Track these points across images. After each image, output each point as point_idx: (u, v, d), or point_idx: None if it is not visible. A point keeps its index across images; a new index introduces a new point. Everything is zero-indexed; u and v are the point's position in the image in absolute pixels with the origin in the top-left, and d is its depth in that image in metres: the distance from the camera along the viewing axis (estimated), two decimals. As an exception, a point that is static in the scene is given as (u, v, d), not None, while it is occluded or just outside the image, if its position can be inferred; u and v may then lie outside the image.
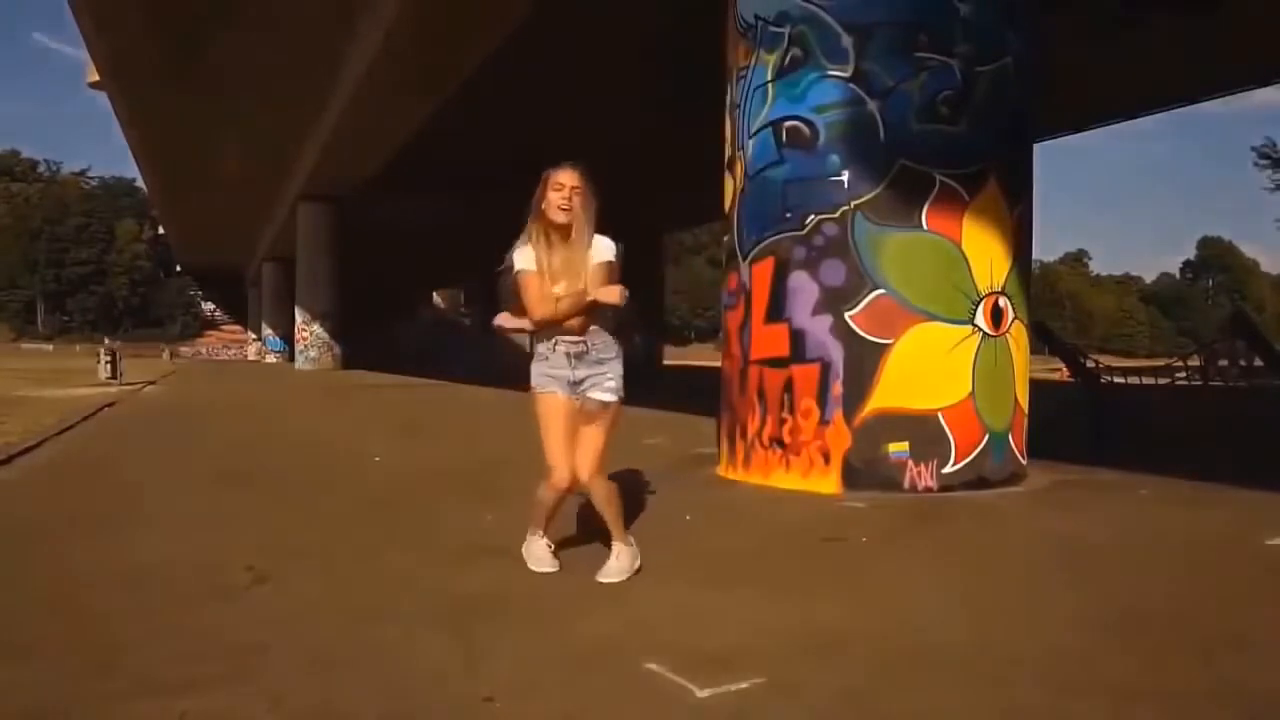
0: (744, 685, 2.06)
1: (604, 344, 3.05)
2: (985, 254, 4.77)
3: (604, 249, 3.02)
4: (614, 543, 3.10)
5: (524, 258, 3.01)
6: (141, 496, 4.77)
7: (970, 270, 4.73)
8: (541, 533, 3.22)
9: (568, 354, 3.02)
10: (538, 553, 3.20)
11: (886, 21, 4.68)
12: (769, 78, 4.94)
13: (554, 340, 3.02)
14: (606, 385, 3.04)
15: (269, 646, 2.32)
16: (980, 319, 4.75)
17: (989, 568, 3.27)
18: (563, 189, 2.95)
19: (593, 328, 3.02)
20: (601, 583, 2.97)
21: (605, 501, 3.10)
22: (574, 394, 3.03)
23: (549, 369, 3.05)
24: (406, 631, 2.46)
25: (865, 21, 4.69)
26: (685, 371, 26.12)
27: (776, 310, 4.92)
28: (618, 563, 3.05)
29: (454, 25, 13.55)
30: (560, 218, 2.95)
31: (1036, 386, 5.39)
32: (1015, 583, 3.07)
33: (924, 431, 4.66)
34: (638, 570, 3.08)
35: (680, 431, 7.96)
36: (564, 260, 2.98)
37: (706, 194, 7.48)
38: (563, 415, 3.03)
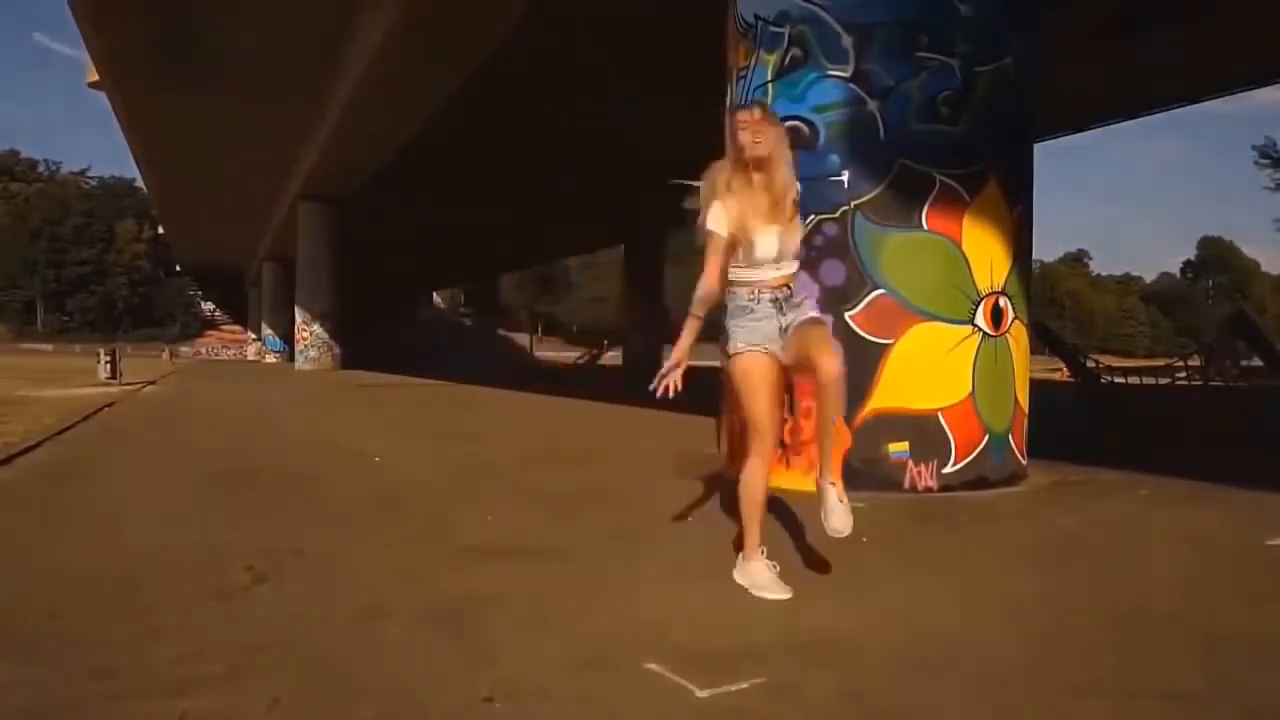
0: (744, 685, 2.06)
1: (799, 285, 2.95)
2: (985, 254, 4.77)
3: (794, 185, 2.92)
4: (830, 480, 2.78)
5: (715, 217, 2.81)
6: (141, 496, 4.77)
7: (970, 270, 4.73)
8: (762, 548, 2.86)
9: (775, 300, 2.84)
10: (763, 577, 2.81)
11: (887, 21, 4.68)
12: (769, 78, 4.94)
13: (757, 288, 2.84)
14: (809, 304, 2.94)
15: (269, 646, 2.31)
16: (980, 319, 4.75)
17: (989, 568, 3.27)
18: (748, 125, 2.81)
19: (792, 273, 2.91)
20: (834, 534, 2.75)
21: (838, 394, 2.76)
22: (781, 341, 2.83)
23: (755, 320, 2.83)
24: (406, 631, 2.45)
25: (865, 21, 4.69)
26: (685, 371, 26.11)
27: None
28: (843, 507, 2.75)
29: (453, 25, 13.56)
30: (760, 150, 2.80)
31: (1036, 386, 5.40)
32: (1015, 583, 3.07)
33: (924, 431, 4.67)
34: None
35: (680, 431, 7.95)
36: (770, 201, 2.84)
37: (706, 194, 7.48)
38: (771, 376, 2.82)
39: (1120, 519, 4.20)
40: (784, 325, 2.85)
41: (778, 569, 2.86)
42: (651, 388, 2.79)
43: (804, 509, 4.32)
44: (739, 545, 2.98)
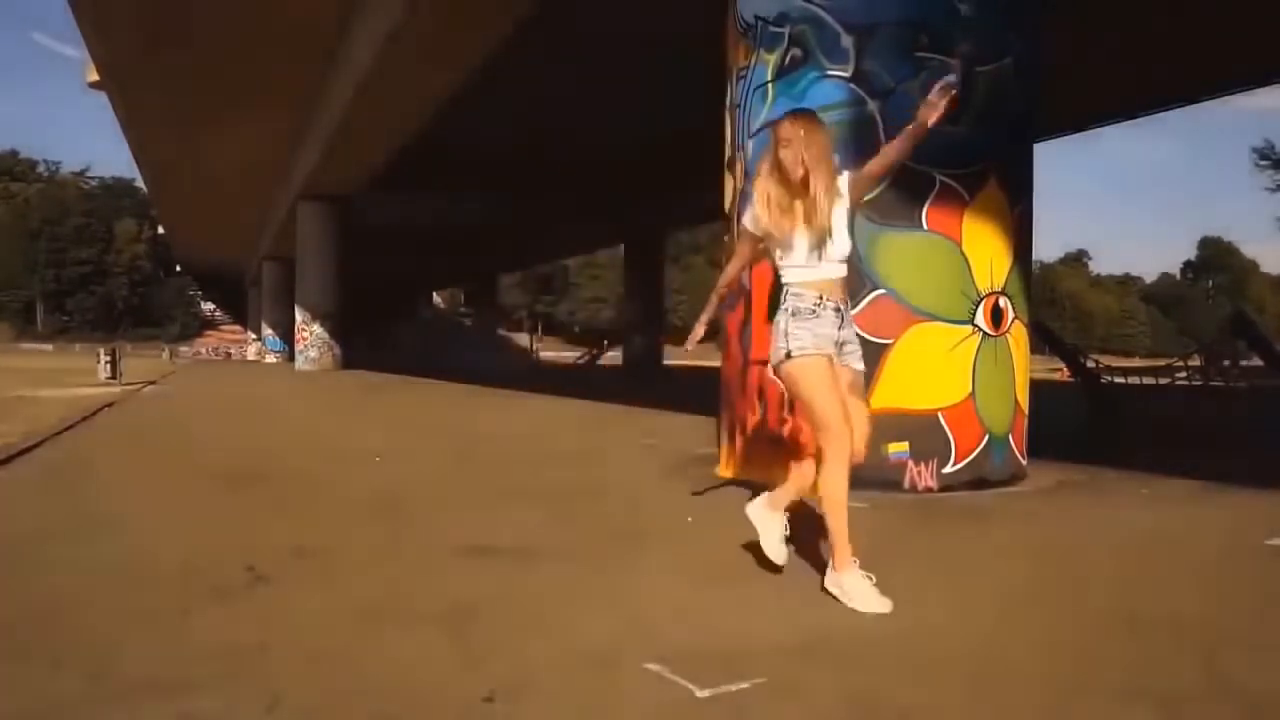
0: (744, 685, 2.06)
1: (850, 305, 2.99)
2: (985, 254, 4.77)
3: (840, 186, 2.90)
4: (845, 566, 2.72)
5: (750, 215, 2.99)
6: (141, 496, 4.77)
7: (970, 270, 4.73)
8: (854, 559, 2.72)
9: (837, 309, 2.86)
10: (861, 588, 2.67)
11: (886, 21, 4.68)
12: (769, 78, 4.94)
13: (821, 296, 2.83)
14: (859, 352, 2.96)
15: (269, 646, 2.31)
16: (980, 319, 4.75)
17: (989, 568, 3.27)
18: (790, 143, 2.81)
19: (845, 280, 2.93)
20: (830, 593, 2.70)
21: (836, 503, 2.74)
22: (836, 352, 2.84)
23: (819, 327, 2.81)
24: (406, 631, 2.45)
25: (865, 21, 4.69)
26: (685, 371, 26.14)
27: (776, 310, 4.91)
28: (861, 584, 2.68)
29: (456, 26, 13.55)
30: (800, 172, 2.80)
31: (1036, 386, 5.39)
32: (1015, 583, 3.07)
33: (924, 432, 4.66)
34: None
35: (680, 431, 7.96)
36: (807, 204, 2.81)
37: (706, 194, 7.48)
38: (835, 377, 2.80)
39: (1120, 519, 4.20)
40: (839, 339, 2.88)
41: (873, 580, 2.71)
42: (687, 347, 3.40)
43: (802, 510, 4.32)
44: (830, 555, 2.83)
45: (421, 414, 11.30)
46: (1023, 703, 2.00)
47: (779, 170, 2.86)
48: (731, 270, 3.32)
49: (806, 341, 2.80)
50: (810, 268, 2.86)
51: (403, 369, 26.40)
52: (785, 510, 3.07)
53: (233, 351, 63.16)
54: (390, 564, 3.26)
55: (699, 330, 3.33)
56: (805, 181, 2.82)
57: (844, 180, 2.95)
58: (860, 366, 2.97)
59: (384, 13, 14.04)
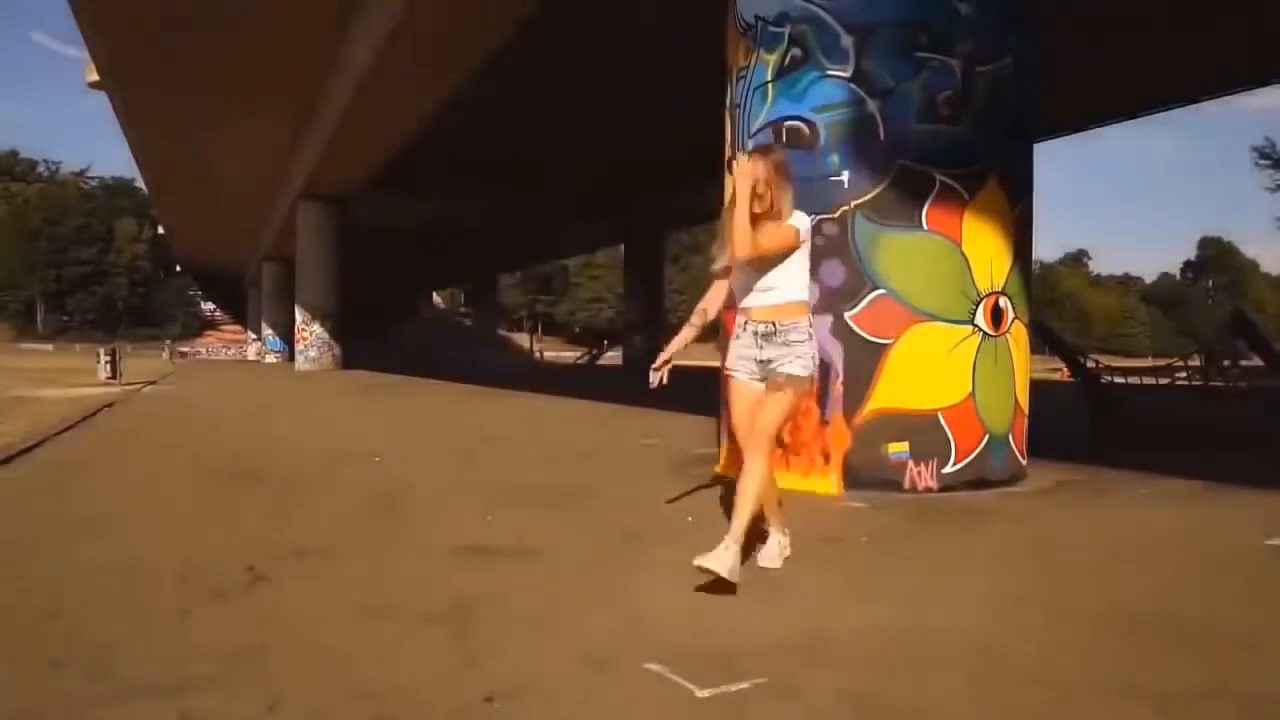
0: (744, 685, 2.06)
1: (794, 328, 3.02)
2: (985, 254, 4.77)
3: (795, 220, 3.01)
4: (727, 536, 2.84)
5: (717, 257, 3.18)
6: (141, 496, 4.77)
7: (970, 270, 4.73)
8: (778, 531, 3.25)
9: (755, 333, 3.07)
10: (769, 549, 3.22)
11: (886, 21, 4.68)
12: (769, 78, 4.94)
13: (745, 320, 3.11)
14: (796, 362, 3.00)
15: (269, 646, 2.32)
16: (980, 319, 4.75)
17: (989, 568, 3.27)
18: (743, 178, 2.96)
19: (783, 305, 3.03)
20: (702, 566, 2.73)
21: (745, 489, 2.93)
22: (762, 374, 3.08)
23: (740, 348, 3.13)
24: (406, 631, 2.46)
25: (865, 21, 4.69)
26: (685, 371, 26.16)
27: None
28: (725, 554, 2.76)
29: (456, 26, 13.55)
30: (757, 208, 2.98)
31: (1036, 386, 5.39)
32: (1015, 583, 3.07)
33: (924, 431, 4.66)
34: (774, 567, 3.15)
35: (680, 431, 7.96)
36: (750, 232, 2.98)
37: (707, 194, 7.48)
38: (742, 399, 3.12)
39: (1120, 519, 4.20)
40: (763, 359, 3.06)
41: (787, 549, 3.23)
42: (651, 385, 3.22)
43: (802, 510, 4.32)
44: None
45: (421, 414, 11.29)
46: (1023, 703, 2.00)
47: (733, 202, 3.01)
48: (702, 302, 3.26)
49: (730, 360, 3.19)
50: (740, 292, 3.12)
51: (403, 369, 26.39)
52: (773, 528, 3.28)
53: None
54: (390, 564, 3.26)
55: (666, 356, 3.23)
56: (763, 217, 2.98)
57: (804, 221, 3.04)
58: (795, 372, 3.00)
59: (384, 13, 14.03)
